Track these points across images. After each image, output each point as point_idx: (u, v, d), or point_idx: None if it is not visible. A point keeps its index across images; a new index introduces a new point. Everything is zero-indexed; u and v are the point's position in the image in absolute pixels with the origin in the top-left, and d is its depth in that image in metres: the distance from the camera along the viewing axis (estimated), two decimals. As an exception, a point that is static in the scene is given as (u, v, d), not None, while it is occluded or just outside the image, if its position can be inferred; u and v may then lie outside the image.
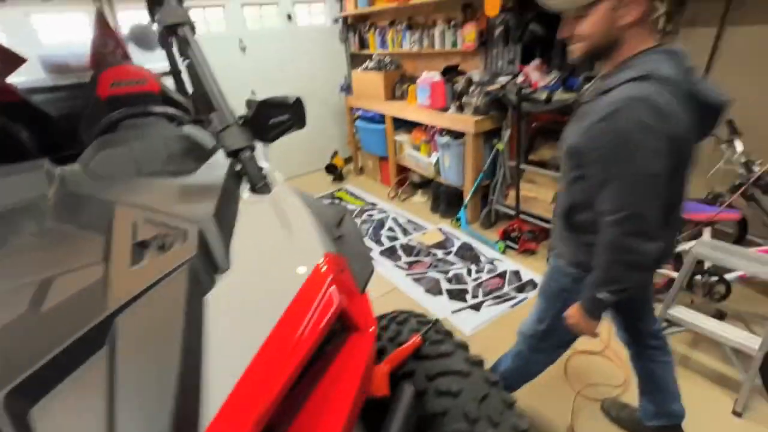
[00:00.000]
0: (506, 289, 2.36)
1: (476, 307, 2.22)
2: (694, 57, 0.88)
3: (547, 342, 1.21)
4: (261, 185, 0.86)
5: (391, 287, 2.50)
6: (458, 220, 3.12)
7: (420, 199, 3.76)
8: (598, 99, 0.85)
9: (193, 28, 0.92)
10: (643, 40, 0.83)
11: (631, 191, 0.81)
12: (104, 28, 2.15)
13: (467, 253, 2.76)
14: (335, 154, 4.50)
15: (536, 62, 2.57)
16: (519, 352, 1.28)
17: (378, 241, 3.06)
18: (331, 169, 4.41)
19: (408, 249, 2.91)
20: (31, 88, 2.04)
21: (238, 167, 0.90)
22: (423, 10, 3.47)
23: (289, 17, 4.12)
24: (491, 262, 2.64)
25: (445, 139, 2.99)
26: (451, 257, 2.75)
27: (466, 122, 2.77)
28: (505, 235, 2.74)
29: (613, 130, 0.79)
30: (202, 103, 0.93)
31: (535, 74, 2.52)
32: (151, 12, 1.69)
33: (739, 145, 1.75)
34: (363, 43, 4.32)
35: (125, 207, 0.74)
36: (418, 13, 3.55)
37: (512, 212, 2.78)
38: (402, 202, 3.77)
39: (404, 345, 0.89)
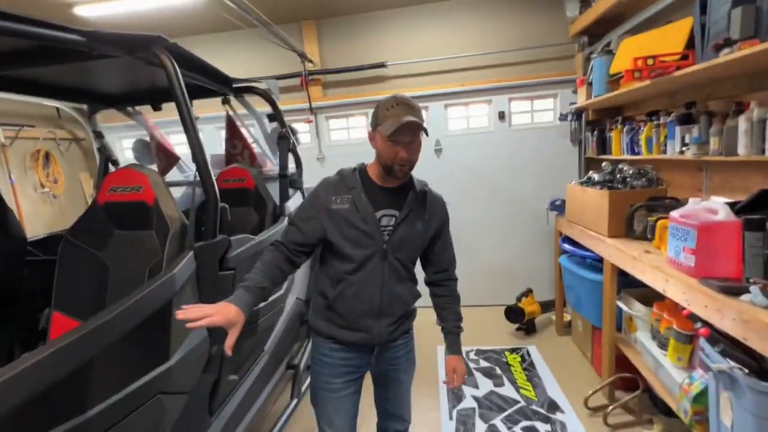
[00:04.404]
0: None
1: None
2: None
3: None
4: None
5: None
6: None
7: (656, 443, 1.81)
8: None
9: None
10: None
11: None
12: (232, 130, 2.11)
13: None
14: (528, 292, 3.07)
15: None
16: None
17: None
18: (514, 314, 2.99)
19: None
20: None
21: None
22: (723, 85, 1.86)
23: (501, 116, 3.33)
24: None
25: (728, 363, 1.21)
26: None
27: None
28: None
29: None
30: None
31: None
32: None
33: None
34: (604, 146, 2.92)
35: None
36: (714, 94, 1.94)
37: None
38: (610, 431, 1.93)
39: None
